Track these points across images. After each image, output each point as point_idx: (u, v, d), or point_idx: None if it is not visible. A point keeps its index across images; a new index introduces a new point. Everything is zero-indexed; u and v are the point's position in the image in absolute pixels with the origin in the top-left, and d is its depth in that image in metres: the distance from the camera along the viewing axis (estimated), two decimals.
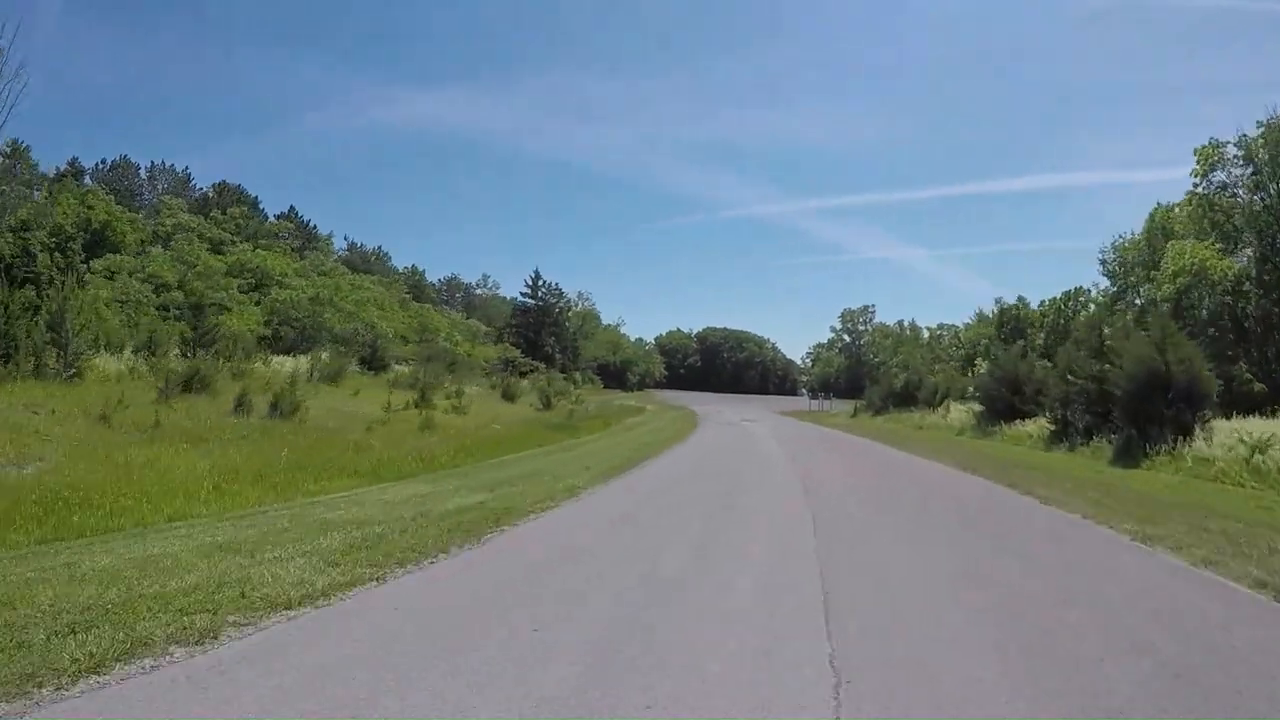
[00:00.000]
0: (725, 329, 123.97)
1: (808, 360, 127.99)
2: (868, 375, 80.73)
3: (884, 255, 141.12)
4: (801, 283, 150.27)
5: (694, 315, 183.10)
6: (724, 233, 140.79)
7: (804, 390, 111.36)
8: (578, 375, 63.30)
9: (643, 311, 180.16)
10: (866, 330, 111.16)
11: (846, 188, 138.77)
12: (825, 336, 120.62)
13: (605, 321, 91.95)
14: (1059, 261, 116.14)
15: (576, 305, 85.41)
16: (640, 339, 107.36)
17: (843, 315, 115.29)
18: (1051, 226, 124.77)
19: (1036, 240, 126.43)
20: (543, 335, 68.51)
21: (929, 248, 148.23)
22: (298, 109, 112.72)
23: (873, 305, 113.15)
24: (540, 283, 73.55)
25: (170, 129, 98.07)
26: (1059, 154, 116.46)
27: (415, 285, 70.45)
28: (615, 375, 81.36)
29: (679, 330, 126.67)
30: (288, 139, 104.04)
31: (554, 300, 74.84)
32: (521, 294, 74.04)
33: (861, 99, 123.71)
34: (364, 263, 66.20)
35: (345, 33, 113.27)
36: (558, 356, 66.86)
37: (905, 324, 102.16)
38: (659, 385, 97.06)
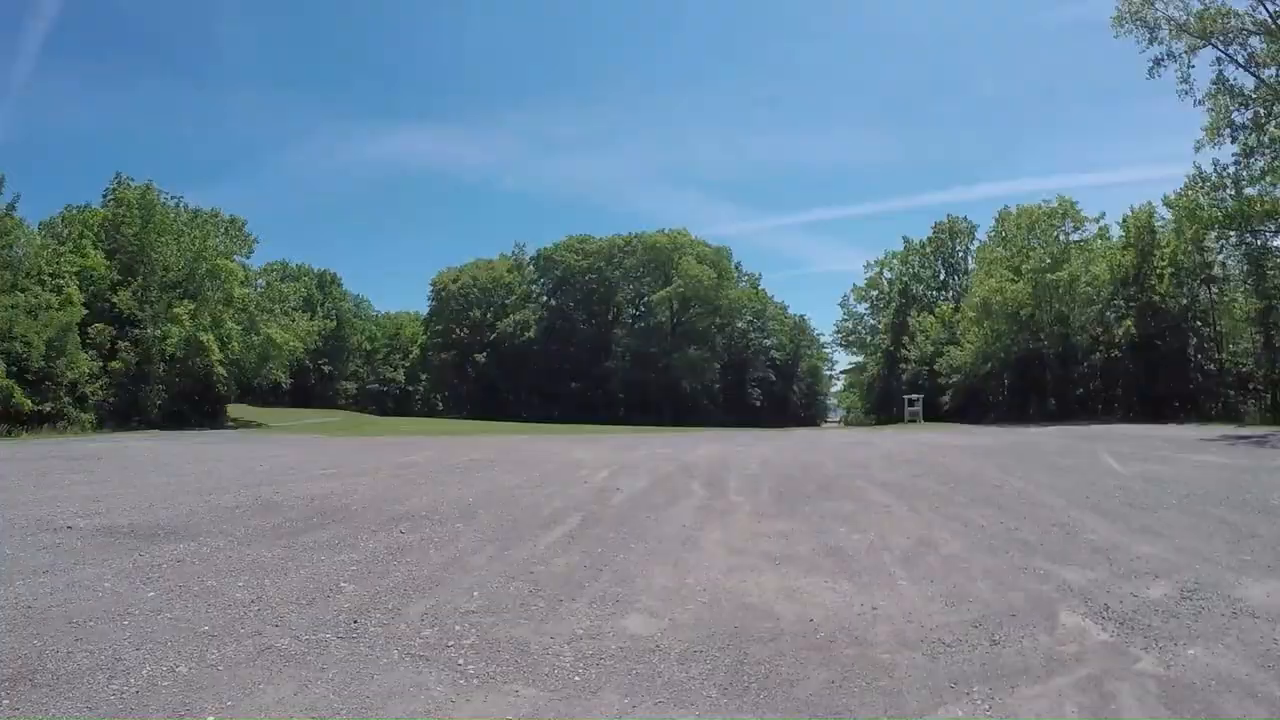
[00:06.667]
0: (618, 236, 51.62)
1: (860, 308, 51.33)
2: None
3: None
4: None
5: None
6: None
7: (835, 404, 53.04)
8: None
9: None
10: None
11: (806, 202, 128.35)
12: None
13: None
14: None
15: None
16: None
17: None
18: None
19: None
20: None
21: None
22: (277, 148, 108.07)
23: None
24: None
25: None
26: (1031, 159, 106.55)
27: None
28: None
29: (485, 260, 52.85)
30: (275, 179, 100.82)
31: None
32: None
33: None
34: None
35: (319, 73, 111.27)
36: None
37: None
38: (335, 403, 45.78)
